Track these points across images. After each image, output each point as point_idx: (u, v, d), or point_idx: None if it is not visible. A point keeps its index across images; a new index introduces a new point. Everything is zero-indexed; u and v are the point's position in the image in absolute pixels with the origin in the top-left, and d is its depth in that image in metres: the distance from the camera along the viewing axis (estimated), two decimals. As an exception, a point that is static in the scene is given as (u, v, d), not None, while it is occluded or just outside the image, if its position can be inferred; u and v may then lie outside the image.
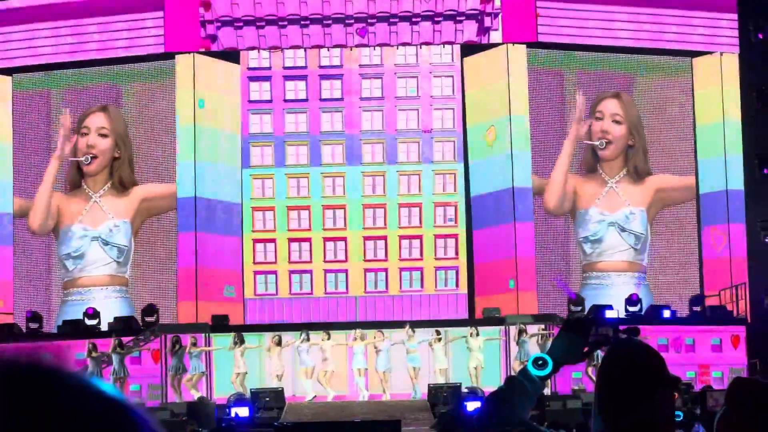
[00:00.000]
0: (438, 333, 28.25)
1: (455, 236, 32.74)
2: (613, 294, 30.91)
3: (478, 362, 27.91)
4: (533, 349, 26.50)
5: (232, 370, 28.27)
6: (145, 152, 32.78)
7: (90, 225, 32.75)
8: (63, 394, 1.27)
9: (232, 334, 28.50)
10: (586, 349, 3.92)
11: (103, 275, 32.63)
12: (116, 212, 32.72)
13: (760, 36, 30.26)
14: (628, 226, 32.67)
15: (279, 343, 28.37)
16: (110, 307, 31.19)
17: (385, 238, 32.78)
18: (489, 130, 32.28)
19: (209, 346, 28.69)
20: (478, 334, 28.09)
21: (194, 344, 28.12)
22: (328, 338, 28.28)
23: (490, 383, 24.59)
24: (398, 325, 29.03)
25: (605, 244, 32.57)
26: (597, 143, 32.71)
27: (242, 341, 28.36)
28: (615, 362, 3.60)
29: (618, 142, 32.85)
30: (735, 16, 32.02)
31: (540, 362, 3.87)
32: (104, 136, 32.96)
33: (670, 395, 3.59)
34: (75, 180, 32.97)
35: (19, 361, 1.28)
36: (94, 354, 27.64)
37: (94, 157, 32.84)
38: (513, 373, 3.79)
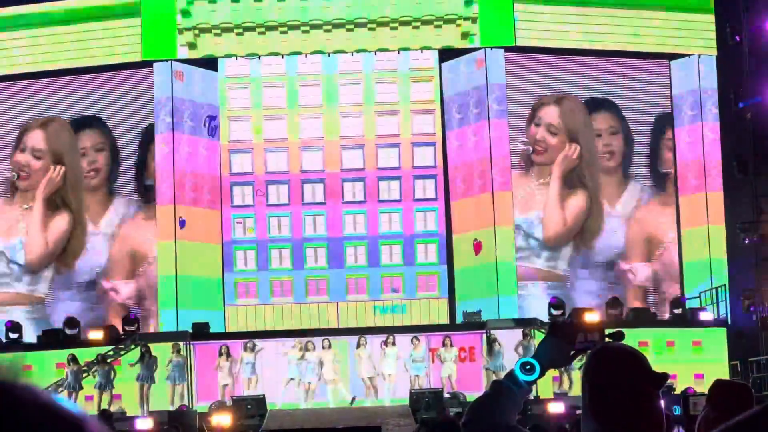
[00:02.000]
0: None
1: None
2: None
3: (452, 371, 28.13)
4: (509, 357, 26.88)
5: (218, 381, 28.28)
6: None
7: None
8: (16, 411, 1.24)
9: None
10: (572, 353, 3.92)
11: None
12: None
13: (738, 38, 30.35)
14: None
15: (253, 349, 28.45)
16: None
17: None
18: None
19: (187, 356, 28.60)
20: (452, 345, 28.34)
21: (178, 351, 28.03)
22: (329, 346, 28.45)
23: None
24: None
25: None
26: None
27: (228, 353, 28.43)
28: (602, 366, 3.59)
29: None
30: (712, 18, 32.18)
31: (528, 367, 3.86)
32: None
33: (658, 394, 3.59)
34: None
35: None
36: (73, 366, 27.51)
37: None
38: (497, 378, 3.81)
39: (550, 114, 32.65)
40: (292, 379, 28.43)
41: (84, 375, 27.79)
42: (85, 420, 1.29)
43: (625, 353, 3.63)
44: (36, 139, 32.92)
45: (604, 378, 3.56)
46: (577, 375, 26.82)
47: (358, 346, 28.49)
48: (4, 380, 1.26)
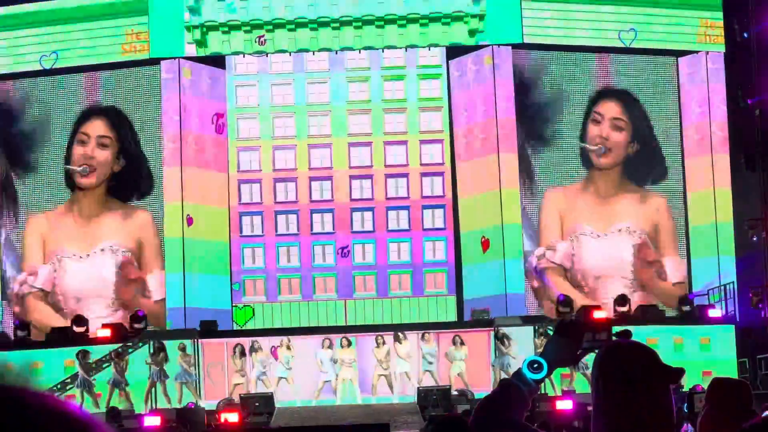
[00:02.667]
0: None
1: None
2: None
3: (461, 370, 28.10)
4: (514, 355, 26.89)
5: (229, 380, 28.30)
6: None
7: None
8: (26, 416, 1.24)
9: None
10: (579, 351, 3.93)
11: None
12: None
13: (746, 35, 30.31)
14: None
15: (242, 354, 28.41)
16: None
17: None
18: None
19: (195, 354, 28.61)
20: (462, 344, 28.28)
21: (183, 350, 28.05)
22: (349, 345, 28.41)
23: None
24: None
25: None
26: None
27: (243, 353, 28.40)
28: (613, 361, 3.60)
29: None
30: (721, 15, 32.16)
31: (535, 365, 3.87)
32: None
33: (669, 390, 3.59)
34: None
35: None
36: (83, 362, 27.57)
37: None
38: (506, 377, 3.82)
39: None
40: (327, 381, 28.36)
41: (94, 371, 27.83)
42: (93, 423, 1.30)
43: (637, 349, 3.63)
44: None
45: (614, 373, 3.56)
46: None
47: (377, 345, 28.46)
48: (14, 385, 1.27)
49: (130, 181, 32.44)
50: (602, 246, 32.00)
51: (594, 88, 32.77)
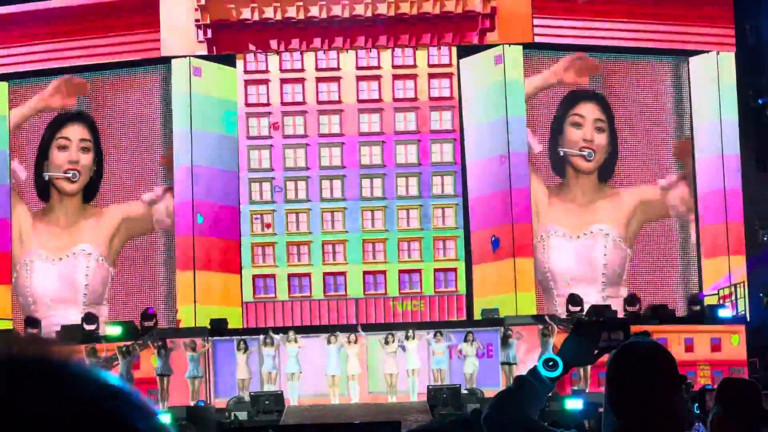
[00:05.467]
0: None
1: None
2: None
3: (474, 368, 28.00)
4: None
5: (236, 375, 28.27)
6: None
7: None
8: (59, 382, 1.26)
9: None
10: (596, 351, 3.92)
11: None
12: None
13: (757, 35, 30.26)
14: None
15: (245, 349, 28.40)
16: None
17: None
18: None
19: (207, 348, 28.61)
20: (474, 341, 28.19)
21: (193, 348, 28.05)
22: (356, 342, 28.40)
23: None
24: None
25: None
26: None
27: (246, 347, 28.37)
28: (629, 362, 3.60)
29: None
30: (732, 15, 32.09)
31: (551, 363, 3.86)
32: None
33: (681, 393, 3.60)
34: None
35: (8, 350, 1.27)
36: (92, 358, 27.59)
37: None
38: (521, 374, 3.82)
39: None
40: (334, 376, 28.33)
41: (103, 368, 27.83)
42: (123, 388, 1.31)
43: (649, 350, 3.63)
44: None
45: (627, 373, 3.56)
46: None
47: (387, 342, 28.42)
48: (44, 353, 1.28)
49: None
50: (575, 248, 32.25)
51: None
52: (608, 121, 32.69)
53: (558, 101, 32.63)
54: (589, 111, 32.69)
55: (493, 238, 31.96)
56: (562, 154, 32.43)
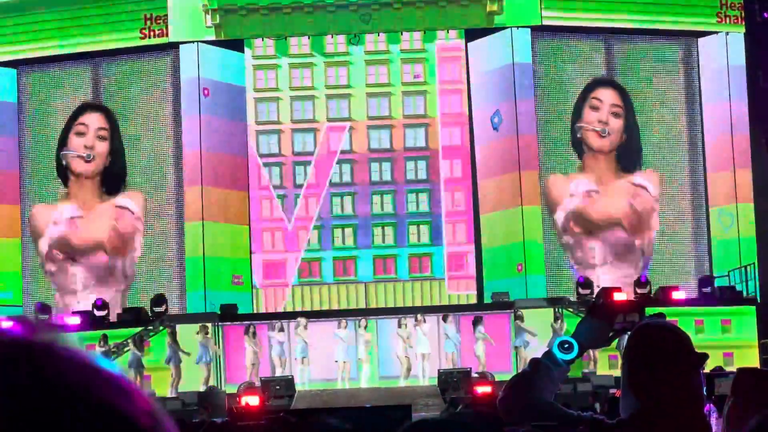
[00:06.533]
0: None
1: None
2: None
3: (457, 344, 28.21)
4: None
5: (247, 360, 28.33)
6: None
7: None
8: (59, 369, 1.24)
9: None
10: (612, 333, 3.92)
11: None
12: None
13: (766, 15, 30.17)
14: None
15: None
16: None
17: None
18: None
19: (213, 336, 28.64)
20: (451, 322, 28.37)
21: (206, 333, 28.10)
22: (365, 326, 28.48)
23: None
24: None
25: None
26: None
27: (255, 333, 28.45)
28: (646, 343, 3.60)
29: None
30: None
31: (566, 345, 3.86)
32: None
33: (698, 371, 3.60)
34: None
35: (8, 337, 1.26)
36: (104, 346, 27.67)
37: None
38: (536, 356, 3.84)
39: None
40: (344, 361, 28.35)
41: (114, 356, 27.92)
42: (115, 373, 1.30)
43: (667, 330, 3.63)
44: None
45: (644, 354, 3.56)
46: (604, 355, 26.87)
47: (400, 326, 28.47)
48: (48, 339, 1.27)
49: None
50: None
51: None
52: (625, 106, 32.65)
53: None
54: (607, 96, 32.69)
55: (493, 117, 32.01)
56: (579, 135, 32.41)
